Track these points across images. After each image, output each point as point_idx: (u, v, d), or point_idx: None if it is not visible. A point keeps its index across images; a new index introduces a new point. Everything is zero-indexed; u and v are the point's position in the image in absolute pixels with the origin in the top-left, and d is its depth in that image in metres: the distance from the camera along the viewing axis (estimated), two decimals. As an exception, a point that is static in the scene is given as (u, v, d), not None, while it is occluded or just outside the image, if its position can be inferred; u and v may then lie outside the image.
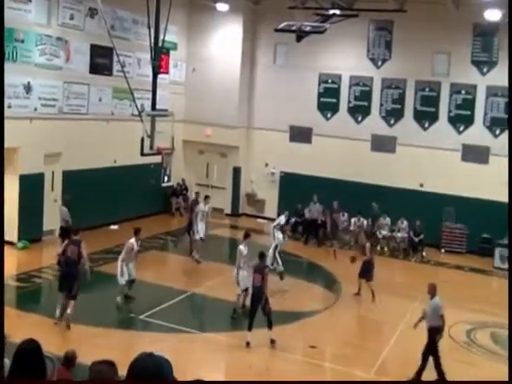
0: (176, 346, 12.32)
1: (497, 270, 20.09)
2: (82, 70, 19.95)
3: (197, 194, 21.07)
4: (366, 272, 16.14)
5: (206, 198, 19.29)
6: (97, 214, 20.21)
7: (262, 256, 13.19)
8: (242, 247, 14.39)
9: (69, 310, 12.69)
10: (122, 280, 14.32)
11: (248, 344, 12.41)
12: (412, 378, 11.29)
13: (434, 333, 11.32)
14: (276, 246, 17.29)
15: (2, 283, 10.39)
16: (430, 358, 11.44)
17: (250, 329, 12.48)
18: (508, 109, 20.47)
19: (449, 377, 12.27)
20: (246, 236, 14.84)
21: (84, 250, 13.39)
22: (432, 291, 11.73)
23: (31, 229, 18.25)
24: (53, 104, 18.99)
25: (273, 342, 12.53)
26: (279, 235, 17.82)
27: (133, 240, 14.60)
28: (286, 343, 12.81)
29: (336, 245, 20.60)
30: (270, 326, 12.55)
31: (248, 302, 13.39)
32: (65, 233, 16.01)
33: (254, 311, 12.57)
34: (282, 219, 18.61)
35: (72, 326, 12.70)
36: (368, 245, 16.84)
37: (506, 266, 20.04)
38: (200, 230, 18.35)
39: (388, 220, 21.75)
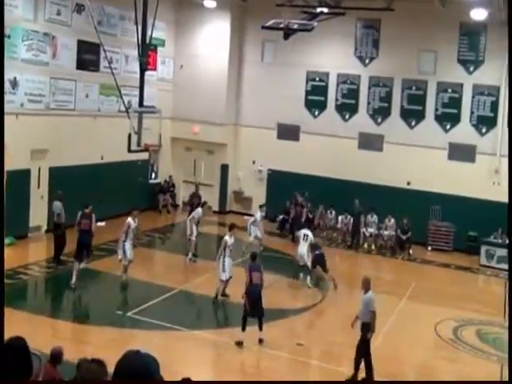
0: (163, 344, 12.29)
1: (483, 268, 20.22)
2: (68, 65, 19.83)
3: (197, 186, 21.24)
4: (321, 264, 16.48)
5: (205, 203, 19.73)
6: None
7: (255, 257, 13.23)
8: (227, 237, 14.83)
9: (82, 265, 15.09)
10: (126, 261, 15.33)
11: (241, 343, 12.31)
12: (351, 376, 11.16)
13: (367, 328, 11.15)
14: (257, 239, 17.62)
15: (2, 283, 10.30)
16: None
17: (245, 329, 12.43)
18: (508, 109, 20.53)
19: (435, 374, 12.37)
20: (231, 227, 15.31)
21: (93, 222, 15.72)
22: (365, 286, 11.49)
23: (17, 225, 18.12)
24: (39, 100, 18.87)
25: (261, 341, 12.51)
26: (256, 231, 17.87)
27: (129, 219, 15.49)
28: (273, 341, 12.81)
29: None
30: (261, 326, 12.51)
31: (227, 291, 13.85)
32: (57, 227, 16.11)
33: (254, 311, 12.47)
34: (258, 215, 18.66)
35: (59, 323, 12.65)
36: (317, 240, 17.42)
37: (492, 263, 20.21)
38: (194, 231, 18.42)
39: (375, 218, 21.84)
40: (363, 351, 11.13)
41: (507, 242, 20.37)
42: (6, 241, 17.84)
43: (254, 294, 12.51)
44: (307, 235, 17.05)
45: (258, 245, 18.62)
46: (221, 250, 14.84)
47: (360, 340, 11.20)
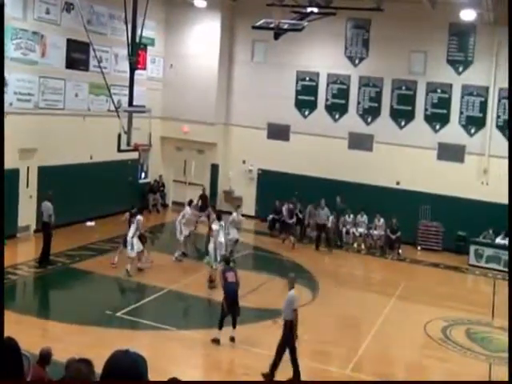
0: (152, 344, 12.27)
1: (472, 268, 20.30)
2: (58, 64, 19.73)
3: (204, 189, 21.86)
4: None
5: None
6: (73, 210, 20.02)
7: (228, 260, 13.52)
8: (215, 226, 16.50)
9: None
10: (133, 253, 16.35)
11: (218, 341, 12.35)
12: (266, 372, 11.00)
13: (289, 326, 11.02)
14: (236, 241, 18.03)
15: (2, 283, 10.24)
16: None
17: (222, 327, 12.45)
18: (508, 109, 20.60)
19: (424, 373, 12.41)
20: (218, 218, 16.88)
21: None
22: (290, 284, 11.42)
23: (6, 225, 17.98)
24: (28, 99, 18.77)
25: (233, 339, 12.47)
26: (233, 232, 17.92)
27: (139, 216, 16.91)
28: (262, 340, 12.80)
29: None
30: (235, 325, 12.51)
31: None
32: (46, 228, 16.43)
33: (232, 310, 12.48)
34: (235, 216, 18.66)
35: (48, 324, 12.60)
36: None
37: (481, 263, 20.30)
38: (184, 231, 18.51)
39: (365, 218, 21.88)
40: (284, 349, 11.00)
41: (496, 241, 20.50)
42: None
43: (230, 292, 12.52)
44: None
45: (232, 245, 18.31)
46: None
47: (282, 338, 11.10)
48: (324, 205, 21.32)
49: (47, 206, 16.96)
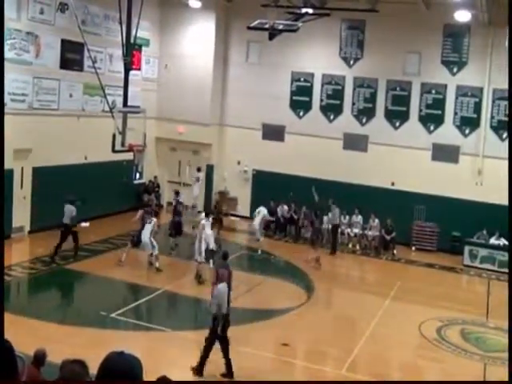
0: (147, 345, 12.24)
1: (466, 268, 20.34)
2: (52, 65, 19.68)
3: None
4: None
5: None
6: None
7: (226, 256, 13.33)
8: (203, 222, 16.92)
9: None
10: (156, 251, 17.00)
11: None
12: (195, 366, 10.99)
13: (217, 320, 11.01)
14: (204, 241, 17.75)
15: (2, 283, 10.20)
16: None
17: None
18: (508, 110, 20.62)
19: (419, 373, 12.43)
20: (207, 215, 17.63)
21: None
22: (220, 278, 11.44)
23: (0, 226, 17.95)
24: (22, 99, 18.72)
25: None
26: (208, 230, 17.87)
27: (155, 218, 17.59)
28: (258, 341, 12.80)
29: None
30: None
31: None
32: (66, 229, 17.13)
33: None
34: (203, 222, 18.54)
35: (42, 324, 12.56)
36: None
37: (476, 263, 20.34)
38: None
39: (360, 218, 21.89)
40: (213, 344, 10.98)
41: (490, 242, 20.55)
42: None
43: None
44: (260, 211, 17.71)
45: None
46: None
47: (210, 333, 11.09)
48: (335, 205, 21.34)
49: (70, 208, 17.44)
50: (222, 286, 11.29)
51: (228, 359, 10.97)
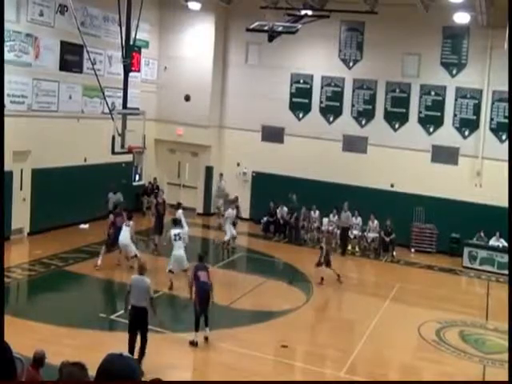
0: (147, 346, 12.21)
1: (466, 270, 20.34)
2: (51, 66, 19.68)
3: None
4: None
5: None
6: (67, 212, 20.01)
7: (202, 258, 13.34)
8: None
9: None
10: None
11: (196, 343, 12.30)
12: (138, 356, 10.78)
13: (141, 312, 10.98)
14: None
15: (2, 283, 10.19)
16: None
17: (198, 329, 12.37)
18: (508, 111, 20.63)
19: (418, 375, 12.43)
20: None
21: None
22: (140, 270, 11.36)
23: None
24: (22, 101, 18.72)
25: (207, 339, 12.48)
26: (185, 228, 17.92)
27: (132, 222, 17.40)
28: (257, 343, 12.80)
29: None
30: (207, 323, 12.50)
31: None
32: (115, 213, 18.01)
33: (203, 310, 12.43)
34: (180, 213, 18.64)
35: (41, 326, 12.57)
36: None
37: (475, 265, 20.35)
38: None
39: (359, 220, 21.88)
40: (134, 335, 10.98)
41: (490, 243, 20.55)
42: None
43: (202, 291, 12.42)
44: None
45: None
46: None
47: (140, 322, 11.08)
48: (347, 208, 21.39)
49: (115, 197, 19.71)
50: (142, 279, 11.21)
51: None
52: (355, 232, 21.83)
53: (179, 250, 15.84)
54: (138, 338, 11.02)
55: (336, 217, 21.82)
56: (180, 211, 18.64)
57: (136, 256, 16.73)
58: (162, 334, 12.93)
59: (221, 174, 24.61)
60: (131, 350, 10.68)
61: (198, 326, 12.34)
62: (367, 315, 15.11)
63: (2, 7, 6.58)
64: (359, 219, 21.84)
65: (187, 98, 15.88)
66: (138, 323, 11.06)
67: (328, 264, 17.40)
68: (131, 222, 17.08)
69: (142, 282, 11.22)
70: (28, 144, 18.80)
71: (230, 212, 20.41)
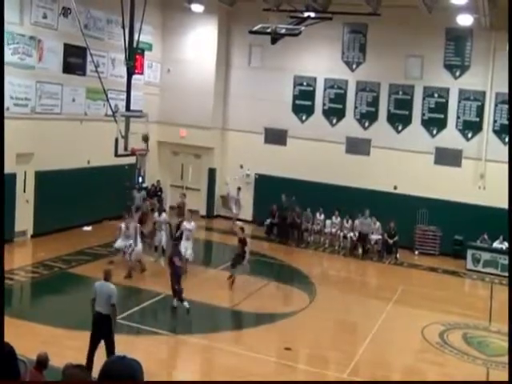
0: (149, 349, 12.22)
1: (469, 272, 20.30)
2: (55, 69, 19.72)
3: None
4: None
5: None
6: (70, 215, 20.02)
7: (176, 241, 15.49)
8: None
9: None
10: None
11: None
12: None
13: (104, 320, 10.54)
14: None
15: (2, 283, 10.20)
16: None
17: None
18: (508, 111, 20.61)
19: (421, 377, 12.40)
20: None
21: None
22: (105, 276, 10.99)
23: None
24: (25, 103, 18.75)
25: (174, 308, 14.15)
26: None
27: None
28: (260, 345, 12.79)
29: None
30: (181, 299, 14.02)
31: None
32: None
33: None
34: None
35: (43, 328, 12.58)
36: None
37: (479, 267, 20.31)
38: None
39: (378, 225, 21.56)
40: (98, 341, 10.61)
41: (493, 246, 20.51)
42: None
43: (176, 274, 14.24)
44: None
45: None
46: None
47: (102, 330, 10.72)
48: (368, 215, 21.40)
49: (139, 195, 21.29)
50: (107, 285, 10.84)
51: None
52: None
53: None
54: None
55: (339, 219, 21.84)
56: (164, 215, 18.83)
57: (140, 261, 16.92)
58: (164, 335, 12.94)
59: (226, 184, 24.73)
60: (90, 361, 10.07)
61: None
62: (370, 317, 15.10)
63: (2, 8, 6.58)
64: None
65: (145, 139, 16.15)
66: (101, 332, 10.55)
67: None
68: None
69: (105, 287, 10.76)
70: (31, 146, 18.83)
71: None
